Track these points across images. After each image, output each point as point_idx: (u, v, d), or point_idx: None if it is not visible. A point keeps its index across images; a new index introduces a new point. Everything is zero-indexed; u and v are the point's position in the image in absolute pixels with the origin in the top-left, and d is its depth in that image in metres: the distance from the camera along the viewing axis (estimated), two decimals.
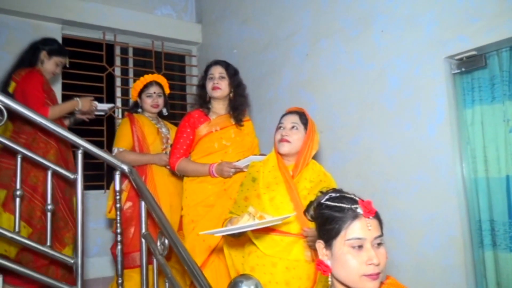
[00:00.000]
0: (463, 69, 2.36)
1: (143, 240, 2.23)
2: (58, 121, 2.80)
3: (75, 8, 4.01)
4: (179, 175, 2.85)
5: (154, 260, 2.10)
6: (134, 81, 4.46)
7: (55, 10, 3.90)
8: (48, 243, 2.14)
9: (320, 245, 1.40)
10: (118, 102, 4.36)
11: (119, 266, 2.36)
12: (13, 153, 2.30)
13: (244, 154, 2.70)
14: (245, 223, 1.77)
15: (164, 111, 3.25)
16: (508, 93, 2.22)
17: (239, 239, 2.09)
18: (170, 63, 4.74)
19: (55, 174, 2.39)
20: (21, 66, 2.92)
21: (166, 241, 2.02)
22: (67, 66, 3.21)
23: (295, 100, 3.39)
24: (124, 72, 4.49)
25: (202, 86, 2.81)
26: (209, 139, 2.69)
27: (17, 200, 2.12)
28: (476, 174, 2.33)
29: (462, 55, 2.34)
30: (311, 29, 3.29)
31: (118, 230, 2.37)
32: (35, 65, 2.95)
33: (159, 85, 3.21)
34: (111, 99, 4.28)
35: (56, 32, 3.97)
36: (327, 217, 1.36)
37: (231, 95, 2.77)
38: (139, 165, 2.98)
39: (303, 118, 2.19)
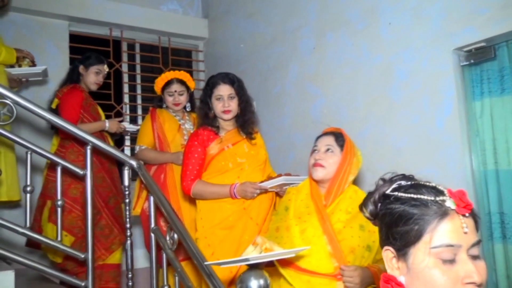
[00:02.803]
0: (472, 61, 2.35)
1: (153, 235, 2.25)
2: (99, 134, 2.97)
3: (82, 4, 4.02)
4: None
5: (164, 254, 2.12)
6: (142, 77, 4.49)
7: (62, 7, 3.92)
8: (59, 238, 2.16)
9: (388, 254, 1.02)
10: (126, 98, 4.38)
11: (129, 261, 2.38)
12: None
13: (260, 169, 2.51)
14: (247, 254, 1.57)
15: (188, 107, 3.17)
16: None
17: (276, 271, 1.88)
18: (177, 59, 4.74)
19: (96, 185, 2.74)
20: (64, 85, 3.10)
21: (175, 235, 2.03)
22: (105, 72, 3.25)
23: (302, 94, 3.38)
24: (131, 68, 4.50)
25: (206, 103, 2.55)
26: (222, 157, 2.46)
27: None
28: (485, 166, 2.31)
29: (470, 46, 2.32)
30: (317, 23, 3.27)
31: (128, 225, 2.38)
32: (77, 82, 3.11)
33: (181, 82, 3.11)
34: (118, 95, 4.30)
35: (63, 29, 4.00)
36: (401, 215, 0.98)
37: (238, 111, 2.56)
38: (159, 163, 2.98)
39: (340, 139, 1.98)
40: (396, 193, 1.03)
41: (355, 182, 2.05)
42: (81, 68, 3.14)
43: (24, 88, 3.53)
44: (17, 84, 3.03)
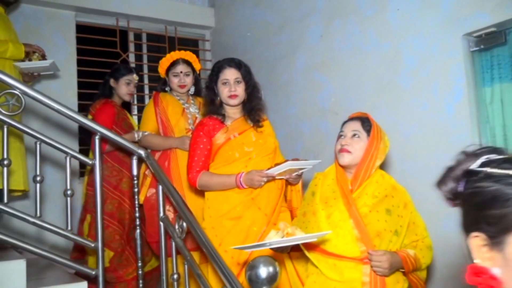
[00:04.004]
0: (482, 46, 2.32)
1: (161, 224, 2.26)
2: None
3: None
4: None
5: (173, 243, 2.13)
6: (148, 67, 4.48)
7: None
8: (69, 227, 2.18)
9: (476, 241, 0.85)
10: None
11: (138, 249, 2.39)
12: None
13: (269, 158, 2.42)
14: (270, 239, 1.59)
15: (192, 90, 3.06)
16: None
17: (302, 255, 1.92)
18: (184, 48, 4.72)
19: (131, 198, 2.94)
20: (97, 100, 3.22)
21: (184, 224, 2.04)
22: (135, 81, 3.28)
23: (310, 83, 3.37)
24: (138, 58, 4.50)
25: (212, 89, 2.48)
26: (229, 147, 2.38)
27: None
28: None
29: (481, 32, 2.29)
30: (325, 10, 3.25)
31: (137, 214, 2.40)
32: (110, 96, 3.22)
33: (187, 63, 3.01)
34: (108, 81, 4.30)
35: (70, 19, 4.00)
36: (495, 195, 0.82)
37: (245, 97, 2.47)
38: (163, 149, 2.88)
39: (366, 124, 1.95)
40: (486, 168, 0.86)
41: (382, 166, 2.03)
42: (111, 82, 3.22)
43: (36, 82, 3.54)
44: (29, 78, 3.05)
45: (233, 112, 2.49)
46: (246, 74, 2.46)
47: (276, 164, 2.30)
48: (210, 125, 2.42)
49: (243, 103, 2.48)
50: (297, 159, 2.29)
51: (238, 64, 2.46)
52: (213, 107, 2.47)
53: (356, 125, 1.94)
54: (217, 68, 2.47)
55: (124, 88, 3.21)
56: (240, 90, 2.42)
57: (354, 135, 1.92)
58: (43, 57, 3.02)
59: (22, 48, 2.89)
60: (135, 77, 3.26)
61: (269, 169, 2.26)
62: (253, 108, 2.47)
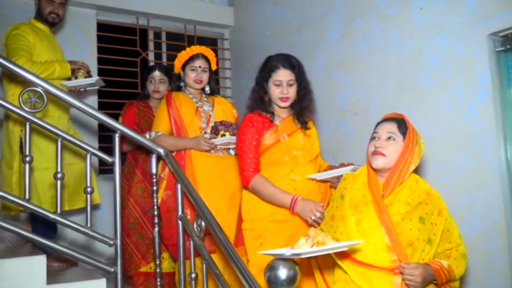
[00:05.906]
0: (507, 46, 2.28)
1: (180, 222, 2.26)
2: None
3: None
4: (221, 153, 2.75)
5: (191, 242, 2.13)
6: (168, 65, 4.49)
7: None
8: (89, 224, 2.19)
9: None
10: None
11: (157, 248, 2.40)
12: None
13: (312, 162, 2.37)
14: (299, 247, 1.52)
15: (207, 89, 2.96)
16: None
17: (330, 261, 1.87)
18: None
19: (135, 195, 3.19)
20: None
21: (203, 223, 2.04)
22: (157, 78, 3.40)
23: (330, 82, 3.34)
24: (158, 56, 4.53)
25: (262, 86, 2.38)
26: (278, 149, 2.30)
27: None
28: None
29: (507, 31, 2.25)
30: (345, 8, 3.21)
31: (155, 213, 2.40)
32: (147, 97, 3.46)
33: (206, 59, 2.93)
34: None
35: (91, 18, 4.05)
36: None
37: (296, 98, 2.38)
38: (177, 150, 2.79)
39: (403, 126, 1.83)
40: None
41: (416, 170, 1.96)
42: (146, 83, 3.43)
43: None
44: (76, 94, 3.08)
45: (282, 111, 2.41)
46: (299, 75, 2.36)
47: (331, 167, 2.27)
48: (260, 122, 2.34)
49: (292, 103, 2.40)
50: (352, 164, 2.20)
51: (292, 65, 2.35)
52: (262, 104, 2.39)
53: (392, 127, 1.84)
54: (270, 67, 2.36)
55: (150, 87, 3.40)
56: (292, 93, 2.33)
57: (389, 137, 1.82)
58: (88, 73, 3.05)
59: (68, 66, 2.91)
60: (155, 73, 3.36)
61: (325, 170, 2.28)
62: (303, 109, 2.39)
